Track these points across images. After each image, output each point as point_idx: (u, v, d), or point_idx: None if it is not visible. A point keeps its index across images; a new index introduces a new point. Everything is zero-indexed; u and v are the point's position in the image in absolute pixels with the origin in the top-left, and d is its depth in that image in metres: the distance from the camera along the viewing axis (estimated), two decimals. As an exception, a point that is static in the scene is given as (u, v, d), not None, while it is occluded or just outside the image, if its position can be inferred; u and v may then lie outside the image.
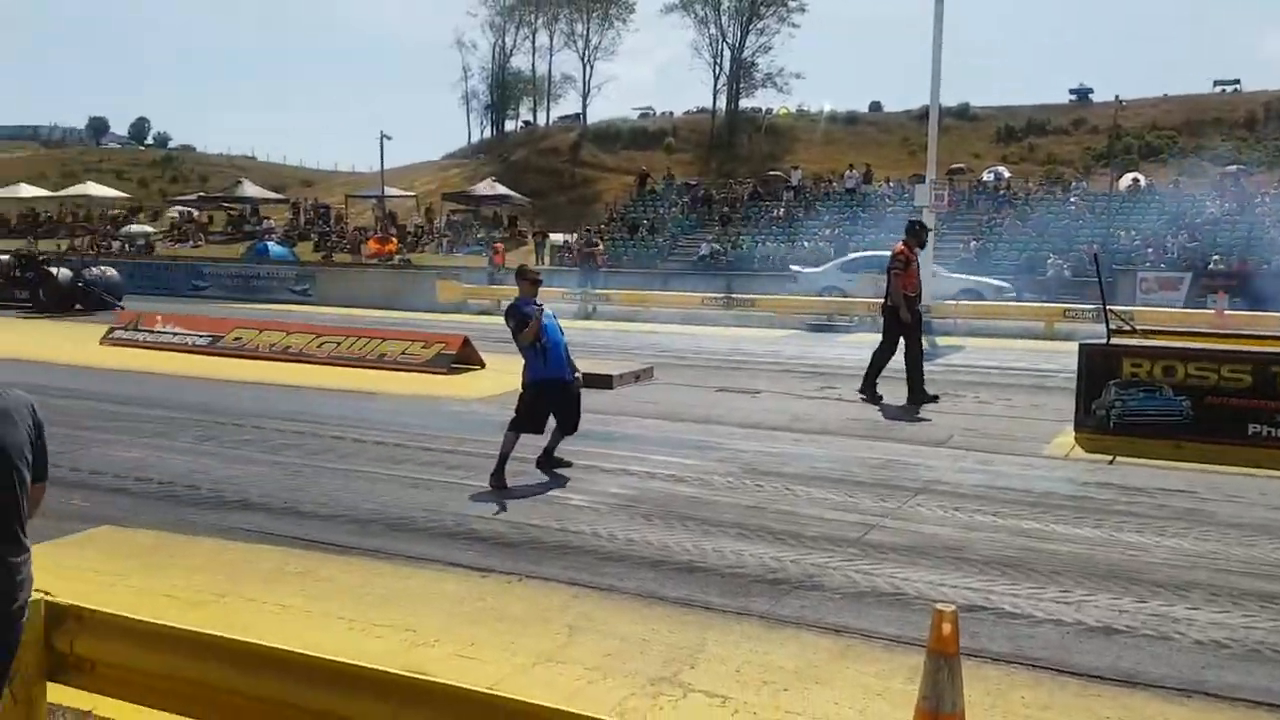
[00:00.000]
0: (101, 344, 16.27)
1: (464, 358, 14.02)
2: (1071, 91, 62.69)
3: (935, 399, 11.14)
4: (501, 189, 45.64)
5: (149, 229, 49.15)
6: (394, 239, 39.99)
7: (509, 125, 76.23)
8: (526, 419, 7.78)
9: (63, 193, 50.81)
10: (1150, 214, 32.22)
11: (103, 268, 25.57)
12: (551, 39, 71.64)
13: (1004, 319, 20.99)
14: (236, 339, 15.81)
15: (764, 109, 66.52)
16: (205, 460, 8.35)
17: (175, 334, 16.35)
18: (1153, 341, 9.91)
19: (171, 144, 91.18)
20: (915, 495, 7.30)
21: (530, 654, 4.47)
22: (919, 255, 11.60)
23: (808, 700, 4.04)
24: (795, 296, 25.10)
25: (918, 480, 7.76)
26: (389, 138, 56.71)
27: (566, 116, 73.37)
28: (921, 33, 21.00)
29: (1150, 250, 29.06)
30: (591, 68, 70.71)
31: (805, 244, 33.63)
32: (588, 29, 69.65)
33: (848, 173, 40.01)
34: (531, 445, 7.81)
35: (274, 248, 38.36)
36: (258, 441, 9.13)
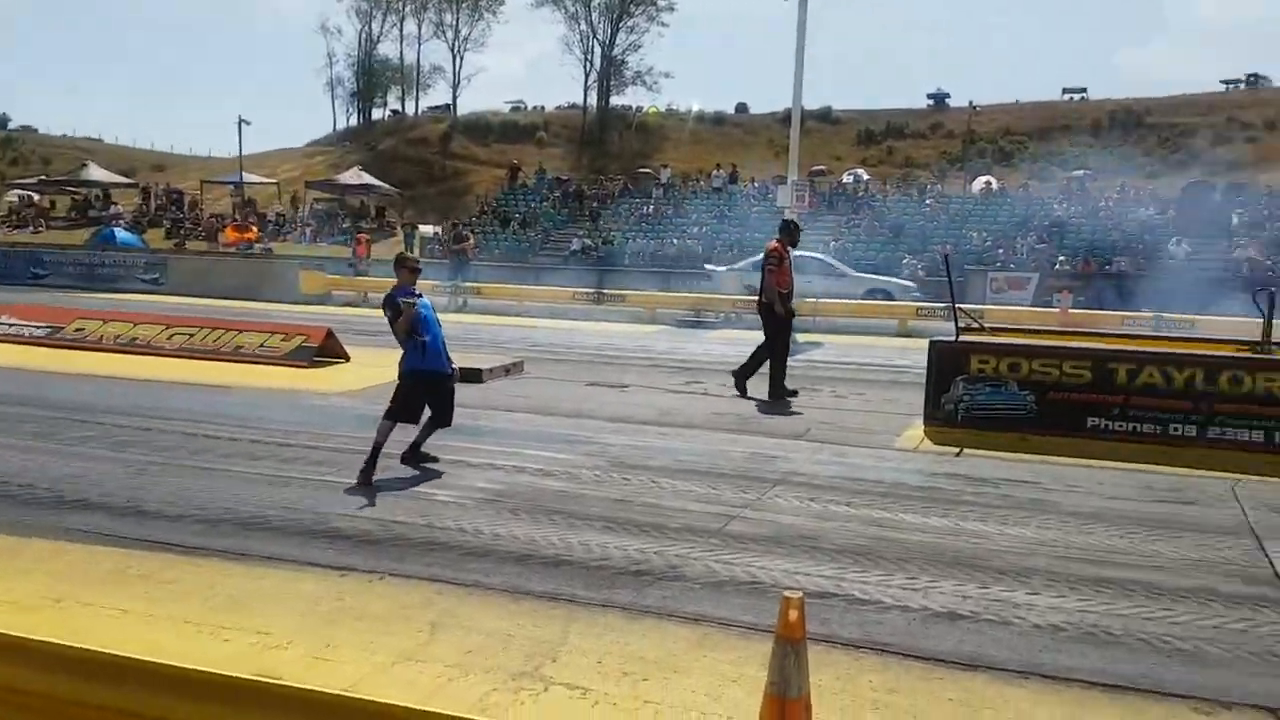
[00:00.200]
0: (-74, 334, 15.15)
1: (327, 351, 13.61)
2: (929, 96, 65.39)
3: (795, 394, 11.45)
4: (369, 178, 44.61)
5: (-16, 214, 46.03)
6: (254, 227, 38.60)
7: (376, 114, 74.62)
8: (402, 408, 7.64)
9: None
10: (1001, 216, 33.91)
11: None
12: (420, 27, 70.53)
13: (861, 317, 21.72)
14: (78, 330, 14.94)
15: (634, 107, 67.08)
16: (42, 458, 7.87)
17: (10, 324, 15.34)
18: (999, 339, 10.43)
19: (11, 125, 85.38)
20: (774, 486, 7.48)
21: (390, 653, 4.39)
22: (791, 253, 11.95)
23: (666, 689, 4.10)
24: (664, 293, 25.42)
25: (777, 472, 7.96)
26: (248, 122, 54.58)
27: (436, 107, 72.20)
28: (786, 35, 21.61)
29: (1001, 251, 30.58)
30: (461, 59, 69.92)
31: (674, 241, 34.07)
32: (457, 19, 68.86)
33: (715, 172, 40.76)
34: (398, 441, 7.66)
35: (121, 234, 36.49)
36: (100, 438, 8.66)
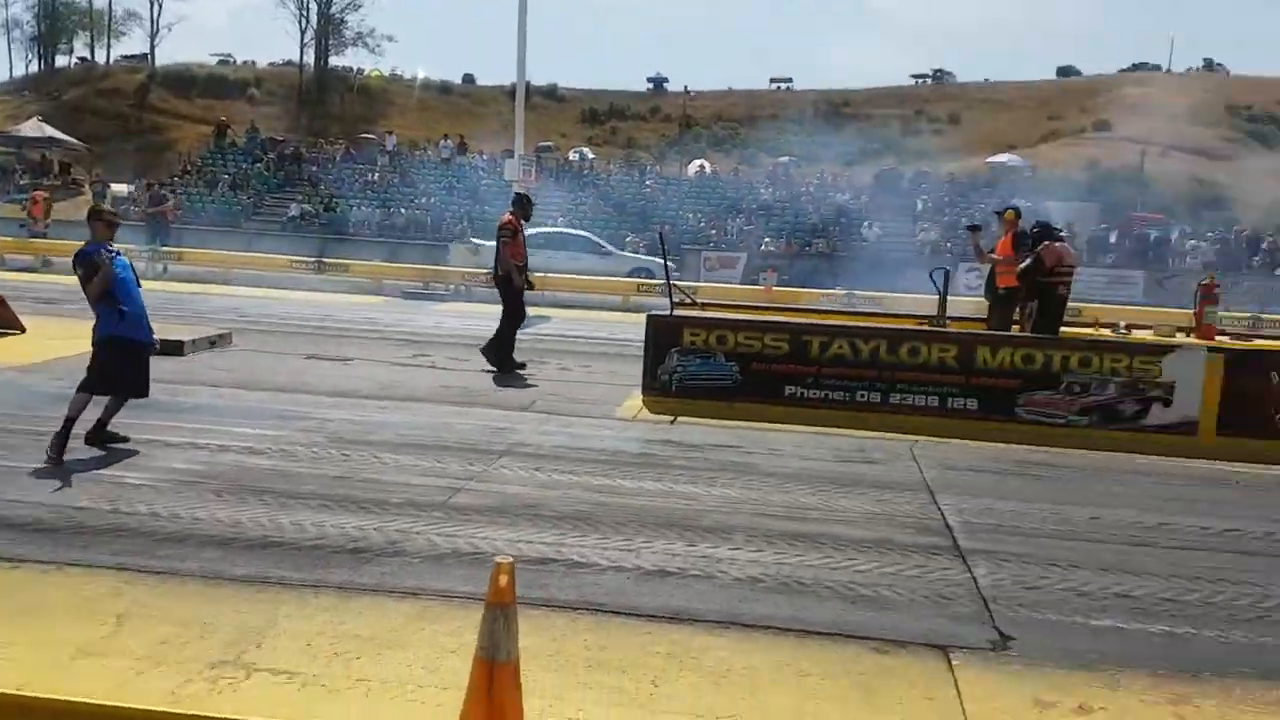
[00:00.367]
0: None
1: (-3, 321, 12.14)
2: (649, 80, 67.51)
3: (523, 366, 11.52)
4: (52, 131, 40.18)
5: None
6: (-96, 180, 33.63)
7: (61, 61, 66.99)
8: (99, 379, 6.98)
9: None
10: (714, 198, 35.65)
11: None
12: (112, -32, 63.89)
13: (586, 292, 22.15)
14: None
15: (355, 69, 64.46)
16: None
17: None
18: (708, 314, 10.99)
19: None
20: (500, 458, 7.50)
21: (69, 648, 4.01)
22: (525, 227, 11.97)
23: (381, 665, 4.02)
24: (390, 264, 24.69)
25: (504, 443, 7.99)
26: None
27: (132, 56, 65.97)
28: (512, 8, 21.46)
29: (714, 231, 32.18)
30: (160, 5, 64.12)
31: (403, 211, 33.19)
32: (156, -41, 63.00)
33: (443, 141, 39.98)
34: (82, 418, 6.98)
35: None
36: None
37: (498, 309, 11.83)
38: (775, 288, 23.19)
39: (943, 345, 9.68)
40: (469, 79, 66.36)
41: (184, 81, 60.44)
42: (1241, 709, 4.03)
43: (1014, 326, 10.98)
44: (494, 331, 11.61)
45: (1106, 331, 11.06)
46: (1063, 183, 38.14)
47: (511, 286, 11.50)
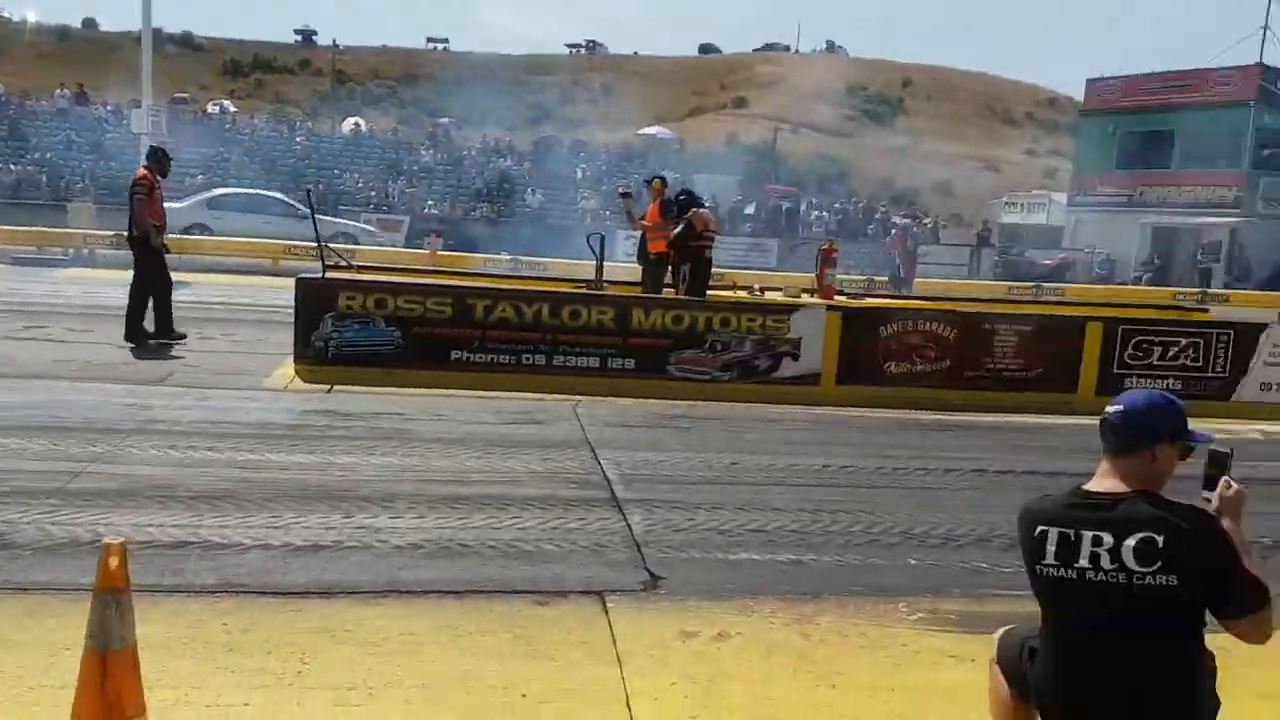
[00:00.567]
0: None
1: None
2: (296, 32, 64.03)
3: (183, 336, 10.71)
4: None
5: None
6: None
7: None
8: None
9: None
10: (373, 159, 34.51)
11: None
12: None
13: (230, 255, 20.71)
14: None
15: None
16: None
17: None
18: (365, 276, 10.61)
19: None
20: (129, 437, 6.82)
21: None
22: (162, 183, 10.93)
23: (-20, 674, 3.51)
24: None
25: (133, 421, 7.27)
26: None
27: None
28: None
29: (374, 193, 31.15)
30: None
31: (13, 168, 29.23)
32: None
33: (58, 91, 35.64)
34: None
35: None
36: None
37: (128, 275, 10.74)
38: (440, 252, 22.92)
39: (601, 308, 10.00)
40: (90, 23, 59.38)
41: None
42: (855, 621, 4.52)
43: (667, 290, 11.56)
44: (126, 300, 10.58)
45: (743, 294, 11.93)
46: (706, 156, 40.81)
47: (149, 248, 10.50)
